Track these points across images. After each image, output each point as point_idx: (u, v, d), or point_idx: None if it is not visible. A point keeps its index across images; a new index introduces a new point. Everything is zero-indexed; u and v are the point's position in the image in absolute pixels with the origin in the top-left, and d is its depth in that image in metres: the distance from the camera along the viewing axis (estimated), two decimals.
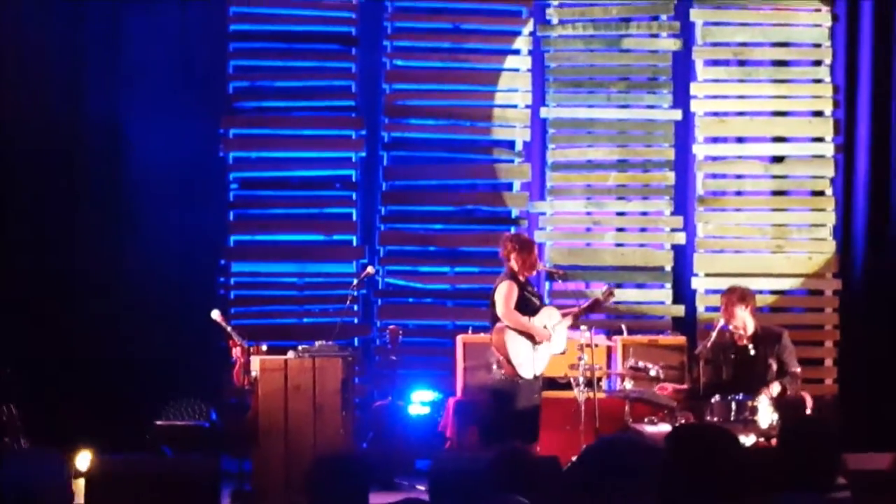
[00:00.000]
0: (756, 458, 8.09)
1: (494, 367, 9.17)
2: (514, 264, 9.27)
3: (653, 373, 9.81)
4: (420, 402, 11.00)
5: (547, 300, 10.91)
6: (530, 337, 9.17)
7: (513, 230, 11.56)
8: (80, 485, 7.33)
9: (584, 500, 3.72)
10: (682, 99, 11.96)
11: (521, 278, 9.34)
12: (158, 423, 10.16)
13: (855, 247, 11.95)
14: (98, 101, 11.64)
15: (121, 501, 7.36)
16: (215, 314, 9.78)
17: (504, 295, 9.17)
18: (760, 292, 11.27)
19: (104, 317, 11.26)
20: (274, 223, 11.86)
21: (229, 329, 9.69)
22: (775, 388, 9.12)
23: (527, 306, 9.23)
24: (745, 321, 9.39)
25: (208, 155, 11.62)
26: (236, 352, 9.59)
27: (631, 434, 8.96)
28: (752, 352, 9.37)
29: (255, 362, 9.25)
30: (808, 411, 9.21)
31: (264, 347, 9.59)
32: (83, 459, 9.06)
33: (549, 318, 9.34)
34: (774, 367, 9.33)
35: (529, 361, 9.16)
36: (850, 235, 11.96)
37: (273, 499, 8.85)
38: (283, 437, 9.01)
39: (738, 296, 9.44)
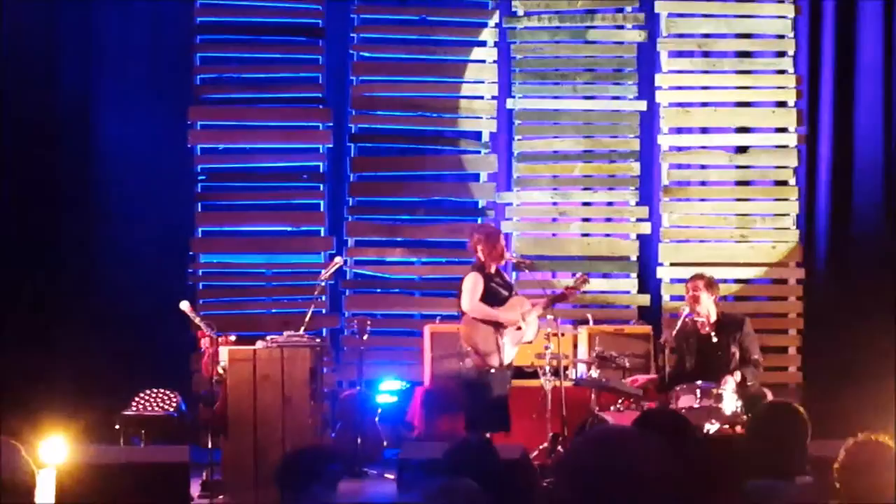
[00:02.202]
0: (721, 444, 8.19)
1: (466, 357, 9.24)
2: (480, 255, 9.37)
3: (619, 361, 9.90)
4: (388, 391, 11.06)
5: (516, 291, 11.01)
6: (497, 325, 9.24)
7: (479, 221, 11.65)
8: (49, 475, 7.33)
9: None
10: (647, 90, 12.04)
11: (489, 269, 9.43)
12: (127, 413, 10.17)
13: (818, 236, 12.08)
14: (68, 93, 11.66)
15: (91, 491, 7.39)
16: (184, 305, 9.79)
17: (469, 287, 9.27)
18: (725, 281, 11.38)
19: (73, 307, 11.28)
20: (242, 214, 11.87)
21: (198, 320, 9.70)
22: (735, 377, 9.20)
23: (494, 297, 9.32)
24: (709, 308, 9.50)
25: (176, 146, 11.63)
26: (205, 342, 9.59)
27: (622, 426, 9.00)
28: (715, 339, 9.47)
29: (224, 353, 9.26)
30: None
31: (233, 338, 9.61)
32: (53, 449, 9.07)
33: (520, 308, 9.43)
34: (737, 354, 9.43)
35: (496, 351, 9.25)
36: (813, 224, 12.09)
37: (243, 488, 8.88)
38: (252, 427, 9.03)
39: (706, 283, 9.56)
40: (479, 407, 9.25)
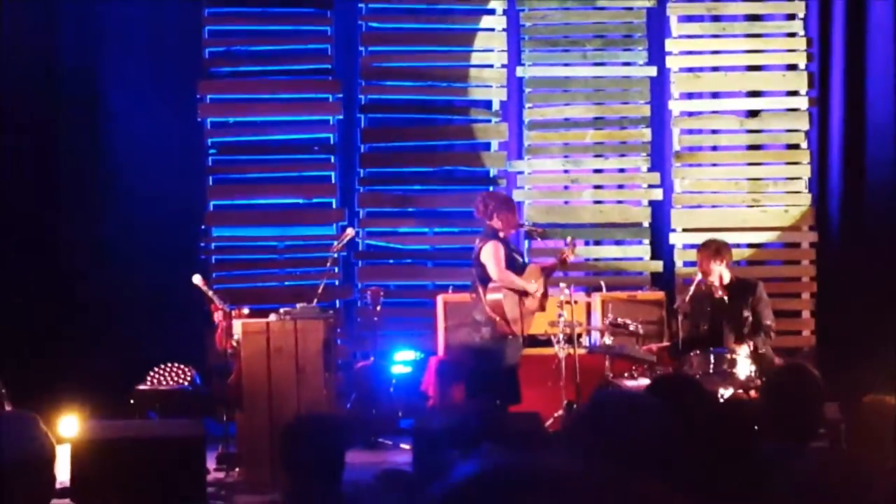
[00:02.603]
0: (736, 409, 8.20)
1: (483, 326, 9.18)
2: (497, 223, 9.26)
3: (632, 328, 9.89)
4: (402, 361, 11.07)
5: (527, 258, 10.99)
6: (523, 294, 9.21)
7: (492, 189, 11.62)
8: (64, 450, 7.36)
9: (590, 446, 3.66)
10: (657, 55, 12.00)
11: (503, 236, 9.37)
12: (142, 387, 10.21)
13: (830, 199, 12.04)
14: (74, 68, 11.64)
15: (107, 466, 7.43)
16: (197, 279, 9.80)
17: (493, 256, 9.15)
18: (738, 246, 11.36)
19: (87, 283, 11.29)
20: (253, 187, 11.87)
21: (211, 293, 9.71)
22: (749, 346, 9.19)
23: (513, 264, 9.27)
24: (720, 275, 9.48)
25: (186, 120, 11.62)
26: (218, 316, 9.60)
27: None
28: (728, 304, 9.46)
29: (238, 326, 9.27)
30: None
31: (246, 311, 9.62)
32: (69, 425, 9.12)
33: (535, 276, 9.40)
34: (750, 318, 9.42)
35: (521, 319, 9.22)
36: (825, 188, 12.04)
37: (258, 460, 8.91)
38: (267, 399, 9.05)
39: (713, 250, 9.52)
40: (496, 376, 9.23)
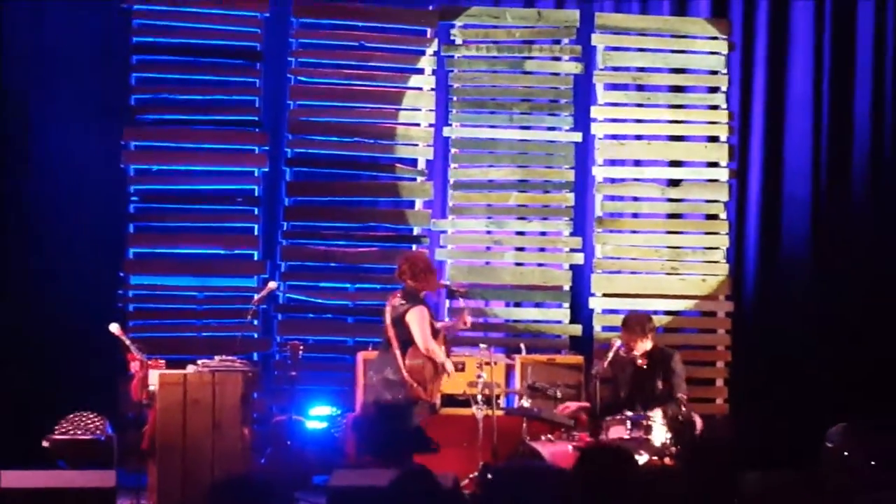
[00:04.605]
0: (650, 476, 8.25)
1: (397, 387, 9.17)
2: (419, 284, 9.29)
3: (550, 392, 9.94)
4: (319, 417, 11.02)
5: (446, 318, 11.07)
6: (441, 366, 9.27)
7: (414, 248, 11.66)
8: None
9: None
10: (582, 121, 12.14)
11: (422, 297, 9.42)
12: (54, 436, 10.05)
13: (747, 270, 12.26)
14: (9, 107, 11.49)
15: None
16: (114, 327, 9.72)
17: (420, 324, 9.17)
18: (655, 313, 11.46)
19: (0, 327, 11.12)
20: (175, 236, 11.79)
21: (128, 342, 9.64)
22: (659, 413, 9.24)
23: (433, 330, 9.33)
24: (644, 347, 9.58)
25: (109, 167, 11.53)
26: (135, 365, 9.53)
27: (527, 462, 9.02)
28: (645, 371, 9.56)
29: (154, 376, 9.21)
30: (699, 432, 9.37)
31: (163, 362, 9.55)
32: None
33: (440, 342, 9.47)
34: (660, 388, 9.51)
35: (438, 386, 9.28)
36: (742, 258, 12.26)
37: None
38: (181, 452, 8.98)
39: (639, 330, 9.59)
40: (403, 437, 9.23)
